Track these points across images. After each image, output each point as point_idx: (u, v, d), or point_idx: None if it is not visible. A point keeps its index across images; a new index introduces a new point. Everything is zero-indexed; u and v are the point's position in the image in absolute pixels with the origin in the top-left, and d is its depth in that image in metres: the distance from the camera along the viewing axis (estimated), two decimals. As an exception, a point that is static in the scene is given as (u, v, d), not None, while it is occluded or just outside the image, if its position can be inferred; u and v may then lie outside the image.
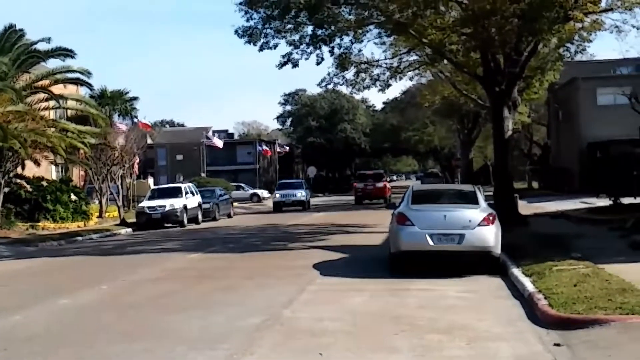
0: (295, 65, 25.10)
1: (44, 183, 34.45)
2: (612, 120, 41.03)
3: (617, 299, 9.58)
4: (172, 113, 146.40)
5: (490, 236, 13.92)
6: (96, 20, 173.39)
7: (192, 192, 36.12)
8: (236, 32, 25.00)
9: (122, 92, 51.86)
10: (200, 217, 35.85)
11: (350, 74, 28.12)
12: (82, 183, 42.68)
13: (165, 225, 33.72)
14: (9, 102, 29.15)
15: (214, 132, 75.32)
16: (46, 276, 17.29)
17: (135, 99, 53.48)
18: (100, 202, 40.16)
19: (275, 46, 24.97)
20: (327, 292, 12.69)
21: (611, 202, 26.25)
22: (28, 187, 33.73)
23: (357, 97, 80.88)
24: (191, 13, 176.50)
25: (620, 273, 11.70)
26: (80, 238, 28.55)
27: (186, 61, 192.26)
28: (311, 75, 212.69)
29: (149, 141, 69.70)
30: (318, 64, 25.33)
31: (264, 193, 66.48)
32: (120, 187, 41.96)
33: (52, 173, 39.53)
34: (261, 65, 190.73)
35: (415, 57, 29.63)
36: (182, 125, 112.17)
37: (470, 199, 15.09)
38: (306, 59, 25.13)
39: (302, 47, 24.74)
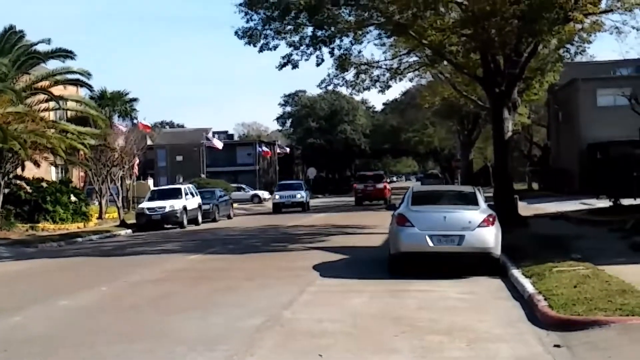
0: (295, 66, 25.12)
1: (44, 184, 34.45)
2: (612, 121, 41.04)
3: (617, 300, 9.57)
4: (171, 114, 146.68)
5: (490, 237, 13.92)
6: (96, 21, 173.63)
7: (192, 193, 36.12)
8: (236, 33, 25.04)
9: (122, 93, 51.83)
10: (200, 218, 35.86)
11: (350, 75, 28.20)
12: (81, 184, 42.66)
13: (165, 226, 33.72)
14: (8, 103, 29.15)
15: (213, 133, 75.31)
16: (46, 277, 17.28)
17: (135, 100, 53.48)
18: (100, 203, 40.15)
19: (275, 47, 25.01)
20: (327, 293, 12.68)
21: (611, 204, 26.25)
22: (28, 188, 33.73)
23: (357, 98, 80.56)
24: (191, 14, 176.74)
25: (620, 274, 11.69)
26: (80, 239, 28.54)
27: (186, 62, 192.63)
28: (311, 76, 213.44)
29: (149, 142, 69.72)
30: (318, 65, 25.38)
31: (264, 194, 66.47)
32: (120, 188, 41.94)
33: (52, 174, 39.52)
34: (261, 67, 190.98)
35: (415, 58, 29.66)
36: (182, 126, 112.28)
37: (470, 200, 15.08)
38: (306, 60, 25.19)
39: (302, 48, 24.77)
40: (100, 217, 38.52)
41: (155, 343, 9.16)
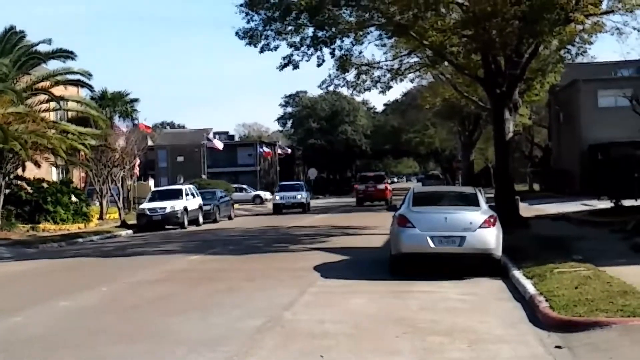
0: (296, 67, 25.11)
1: (45, 185, 34.47)
2: (613, 122, 41.00)
3: (619, 301, 9.56)
4: (172, 115, 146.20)
5: (491, 238, 13.90)
6: (97, 22, 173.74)
7: (192, 194, 36.12)
8: (237, 33, 25.02)
9: (122, 94, 51.77)
10: (200, 218, 35.85)
11: (351, 75, 28.16)
12: (82, 185, 42.67)
13: (166, 227, 33.71)
14: (9, 104, 29.17)
15: (214, 133, 75.37)
16: (47, 278, 17.28)
17: (135, 100, 53.39)
18: (100, 204, 40.16)
19: (276, 48, 25.00)
20: (328, 294, 12.67)
21: (612, 205, 26.22)
22: (28, 188, 33.75)
23: (358, 98, 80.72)
24: (192, 15, 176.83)
25: (622, 275, 11.68)
26: (80, 240, 28.54)
27: (187, 63, 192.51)
28: (312, 77, 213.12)
29: (150, 143, 69.74)
30: (319, 65, 25.35)
31: (266, 195, 66.48)
32: (120, 188, 41.97)
33: (52, 175, 39.53)
34: (262, 67, 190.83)
35: (416, 59, 29.62)
36: (183, 127, 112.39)
37: (471, 201, 15.07)
38: (307, 60, 25.15)
39: (302, 48, 24.74)
40: (101, 218, 38.53)
41: (155, 344, 9.15)
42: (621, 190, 27.27)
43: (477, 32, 21.93)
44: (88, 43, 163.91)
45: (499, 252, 14.07)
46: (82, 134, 33.40)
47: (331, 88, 30.06)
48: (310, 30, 24.42)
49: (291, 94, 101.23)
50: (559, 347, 8.27)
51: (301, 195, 46.01)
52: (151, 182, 62.71)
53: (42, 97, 32.56)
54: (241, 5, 24.54)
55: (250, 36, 24.72)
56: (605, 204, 27.99)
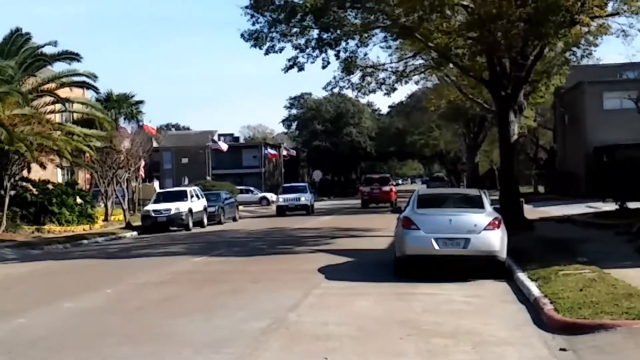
0: (301, 69, 25.12)
1: (50, 186, 34.55)
2: (618, 124, 40.95)
3: (624, 303, 9.54)
4: (177, 117, 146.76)
5: (496, 240, 13.89)
6: (102, 24, 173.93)
7: (197, 196, 36.17)
8: (242, 35, 25.04)
9: (127, 96, 51.85)
10: (205, 220, 35.88)
11: (355, 77, 28.16)
12: (87, 186, 42.78)
13: (171, 228, 33.73)
14: (15, 106, 29.27)
15: (219, 135, 75.58)
16: (51, 279, 17.32)
17: (141, 102, 53.47)
18: (105, 206, 40.22)
19: (281, 50, 25.02)
20: (333, 296, 12.66)
21: (617, 207, 26.16)
22: (34, 190, 33.83)
23: (363, 100, 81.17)
24: (197, 16, 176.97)
25: (627, 278, 11.66)
26: (85, 241, 28.60)
27: (192, 65, 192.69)
28: (317, 79, 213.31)
29: (155, 145, 69.73)
30: (324, 67, 25.35)
31: (272, 197, 66.51)
32: (125, 190, 41.98)
33: (57, 176, 39.64)
34: (267, 69, 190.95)
35: (421, 61, 29.63)
36: (188, 128, 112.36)
37: (475, 203, 15.04)
38: (312, 62, 25.15)
39: (307, 50, 24.75)
40: (105, 219, 38.60)
41: (160, 345, 9.16)
42: (626, 192, 27.16)
43: (482, 34, 21.92)
44: (89, 43, 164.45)
45: (503, 254, 14.05)
46: (87, 135, 33.50)
47: (336, 90, 30.15)
48: (315, 32, 24.47)
49: (296, 96, 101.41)
50: (563, 349, 8.26)
51: (304, 198, 45.67)
52: (156, 183, 62.65)
53: (48, 98, 32.66)
54: (246, 7, 24.59)
55: (255, 38, 24.75)
56: (610, 206, 27.92)
